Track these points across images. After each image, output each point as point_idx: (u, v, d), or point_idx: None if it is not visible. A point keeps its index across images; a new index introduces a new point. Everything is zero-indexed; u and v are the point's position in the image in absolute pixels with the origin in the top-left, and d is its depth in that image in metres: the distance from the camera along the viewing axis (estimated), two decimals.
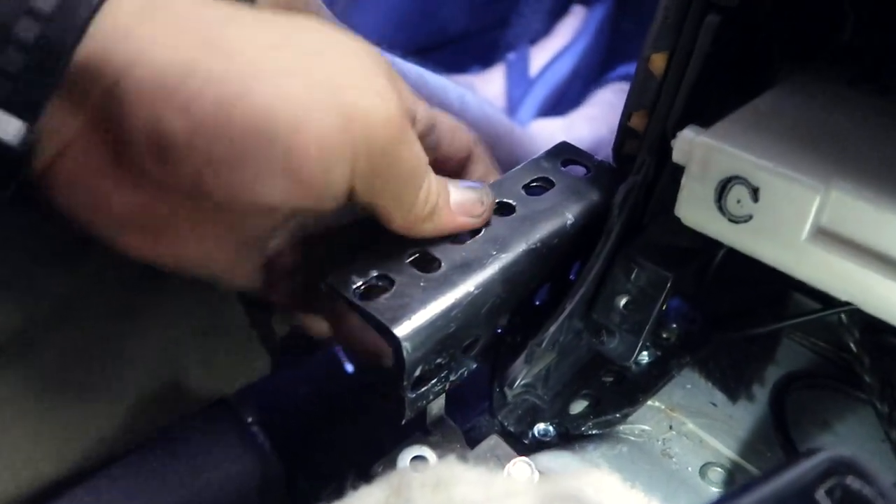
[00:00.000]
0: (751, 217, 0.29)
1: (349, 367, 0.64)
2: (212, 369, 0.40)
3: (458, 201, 0.33)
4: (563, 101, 0.87)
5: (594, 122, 0.83)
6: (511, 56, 0.91)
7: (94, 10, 0.23)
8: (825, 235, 0.28)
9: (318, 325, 0.38)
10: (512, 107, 0.86)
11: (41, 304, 0.32)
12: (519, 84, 0.87)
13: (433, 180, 0.31)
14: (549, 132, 0.78)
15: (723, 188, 0.29)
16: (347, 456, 0.53)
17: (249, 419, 0.49)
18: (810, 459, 0.23)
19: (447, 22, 0.99)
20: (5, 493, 0.32)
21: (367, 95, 0.26)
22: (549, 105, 0.86)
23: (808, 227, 0.28)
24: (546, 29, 0.95)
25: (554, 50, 0.90)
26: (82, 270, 0.33)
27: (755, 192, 0.28)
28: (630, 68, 0.89)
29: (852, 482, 0.23)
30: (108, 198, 0.27)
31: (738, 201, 0.29)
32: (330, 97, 0.25)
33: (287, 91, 0.24)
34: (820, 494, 0.22)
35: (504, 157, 0.44)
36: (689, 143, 0.30)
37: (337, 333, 0.38)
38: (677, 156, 0.30)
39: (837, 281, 0.28)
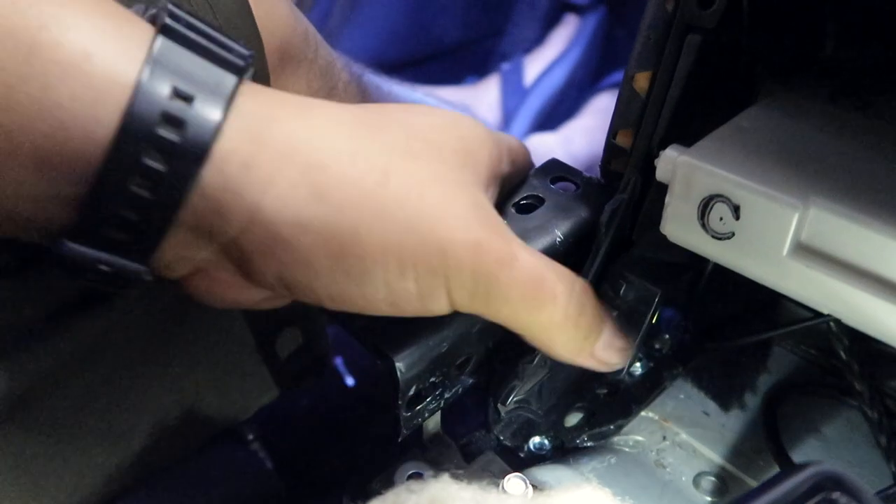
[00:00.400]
0: (733, 234, 0.30)
1: (349, 381, 0.65)
2: (225, 399, 0.41)
3: (610, 334, 0.33)
4: (558, 111, 0.88)
5: (590, 133, 0.83)
6: (505, 66, 0.92)
7: (200, 163, 0.24)
8: (805, 251, 0.28)
9: None
10: (507, 117, 0.87)
11: (65, 349, 0.33)
12: (514, 95, 0.88)
13: (573, 286, 0.31)
14: (546, 148, 0.78)
15: (705, 206, 0.30)
16: (347, 470, 0.53)
17: (250, 436, 0.50)
18: (797, 475, 0.24)
19: (441, 33, 0.99)
20: None
21: (453, 227, 0.27)
22: (544, 115, 0.87)
23: (788, 243, 0.28)
24: (539, 37, 0.96)
25: (548, 59, 0.91)
26: (109, 314, 0.34)
27: (736, 210, 0.29)
28: (622, 74, 0.89)
29: (839, 497, 0.23)
30: (237, 296, 0.29)
31: (721, 219, 0.30)
32: (420, 237, 0.27)
33: (388, 239, 0.26)
34: None
35: None
36: (672, 163, 0.30)
37: None
38: (661, 174, 0.31)
39: (819, 295, 0.29)
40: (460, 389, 0.36)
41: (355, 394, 0.64)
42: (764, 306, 0.45)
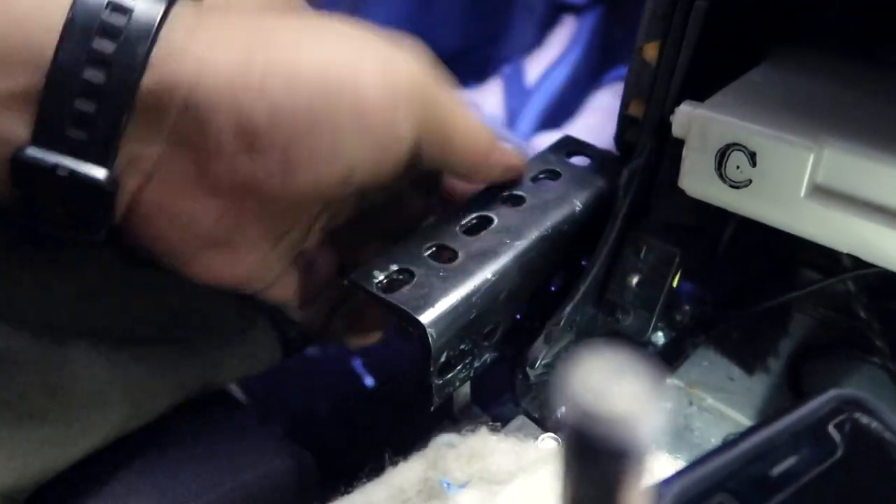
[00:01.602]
0: (750, 181, 0.30)
1: (369, 381, 0.65)
2: (222, 349, 0.40)
3: (501, 151, 0.35)
4: (561, 110, 0.89)
5: (592, 131, 0.84)
6: (506, 69, 0.93)
7: (152, 43, 0.25)
8: (822, 192, 0.29)
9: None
10: (511, 118, 0.88)
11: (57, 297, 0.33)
12: (516, 96, 0.89)
13: (487, 130, 0.33)
14: None
15: (722, 156, 0.31)
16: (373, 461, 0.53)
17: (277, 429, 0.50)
18: (820, 398, 0.24)
19: (439, 42, 1.01)
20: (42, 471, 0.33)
21: (403, 53, 0.29)
22: (547, 114, 0.88)
23: (804, 185, 0.29)
24: (538, 41, 0.98)
25: (548, 60, 0.92)
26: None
27: (752, 157, 0.30)
28: (622, 71, 0.91)
29: (861, 417, 0.24)
30: (192, 215, 0.28)
31: (738, 167, 0.30)
32: (373, 53, 0.28)
33: (336, 54, 0.27)
34: (831, 429, 0.23)
35: None
36: (687, 117, 0.31)
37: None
38: (677, 130, 0.32)
39: (838, 234, 0.29)
40: (489, 359, 0.37)
41: (375, 395, 0.64)
42: (780, 273, 0.46)
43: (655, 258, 0.36)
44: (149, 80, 0.25)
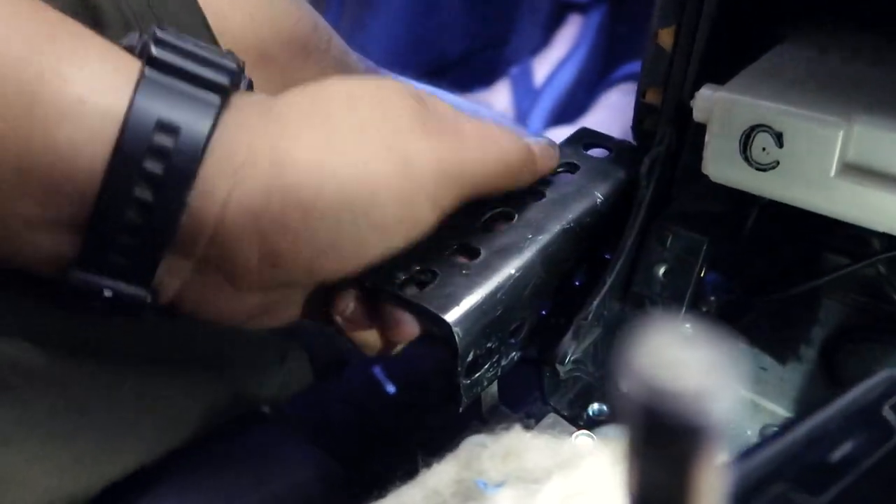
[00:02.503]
0: (777, 163, 0.30)
1: (390, 388, 0.64)
2: (255, 372, 0.41)
3: (539, 146, 0.35)
4: (569, 108, 0.89)
5: (603, 126, 0.84)
6: (514, 70, 0.93)
7: (188, 189, 0.26)
8: (853, 170, 0.28)
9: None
10: (521, 118, 0.88)
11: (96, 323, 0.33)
12: (525, 96, 0.89)
13: (512, 134, 0.33)
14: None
15: (747, 138, 0.30)
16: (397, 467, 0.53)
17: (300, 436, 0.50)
18: (873, 379, 0.23)
19: (446, 46, 1.01)
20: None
21: (414, 139, 0.29)
22: (556, 113, 0.88)
23: (834, 164, 0.28)
24: (544, 41, 0.97)
25: (555, 59, 0.92)
26: None
27: (779, 138, 0.29)
28: (630, 68, 0.90)
29: None
30: (231, 307, 0.30)
31: (764, 149, 0.30)
32: (388, 156, 0.28)
33: (351, 174, 0.27)
34: (886, 411, 0.22)
35: None
36: (709, 100, 0.31)
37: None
38: (698, 114, 0.31)
39: (871, 213, 0.28)
40: (515, 357, 0.36)
41: (397, 401, 0.64)
42: (806, 259, 0.45)
43: (682, 247, 0.35)
44: (183, 217, 0.26)
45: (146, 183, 0.25)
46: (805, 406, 0.39)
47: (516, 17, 0.99)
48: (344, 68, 0.46)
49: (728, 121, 0.30)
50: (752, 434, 0.38)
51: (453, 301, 0.32)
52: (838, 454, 0.18)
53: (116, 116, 0.24)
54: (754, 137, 0.30)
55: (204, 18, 0.35)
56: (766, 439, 0.19)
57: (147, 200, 0.25)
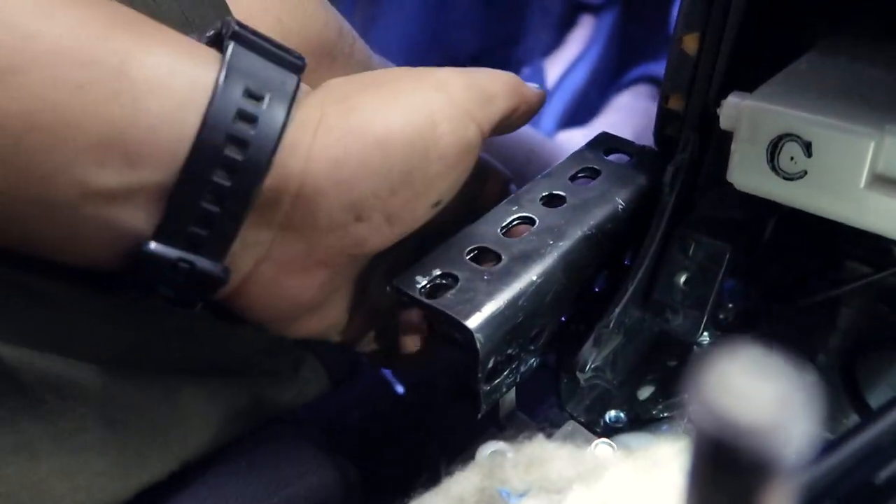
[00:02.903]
0: (805, 173, 0.29)
1: (400, 389, 0.64)
2: (274, 381, 0.41)
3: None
4: (581, 109, 0.89)
5: (616, 128, 0.83)
6: (526, 70, 0.93)
7: (274, 151, 0.27)
8: (883, 181, 0.28)
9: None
10: (533, 119, 0.87)
11: (115, 337, 0.33)
12: None
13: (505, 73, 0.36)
14: (576, 143, 0.79)
15: (774, 147, 0.30)
16: (411, 471, 0.53)
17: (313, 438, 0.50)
18: None
19: (458, 45, 1.01)
20: None
21: (443, 72, 0.33)
22: (568, 114, 0.88)
23: (865, 175, 0.28)
24: (555, 41, 0.97)
25: (567, 60, 0.92)
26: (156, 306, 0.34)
27: (808, 147, 0.29)
28: (643, 69, 0.90)
29: None
30: (299, 289, 0.31)
31: (792, 158, 0.29)
32: (427, 87, 0.31)
33: (410, 106, 0.30)
34: None
35: (540, 169, 0.45)
36: (736, 108, 0.30)
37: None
38: (725, 122, 0.31)
39: None
40: (535, 363, 0.36)
41: (408, 402, 0.63)
42: (825, 266, 0.44)
43: (704, 255, 0.35)
44: (267, 179, 0.27)
45: (235, 145, 0.26)
46: (824, 418, 0.38)
47: (528, 16, 0.99)
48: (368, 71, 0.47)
49: (756, 129, 0.30)
50: None
51: (475, 307, 0.31)
52: (885, 474, 0.18)
53: (206, 85, 0.25)
54: (782, 146, 0.29)
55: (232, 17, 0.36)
56: (811, 457, 0.18)
57: (236, 161, 0.26)
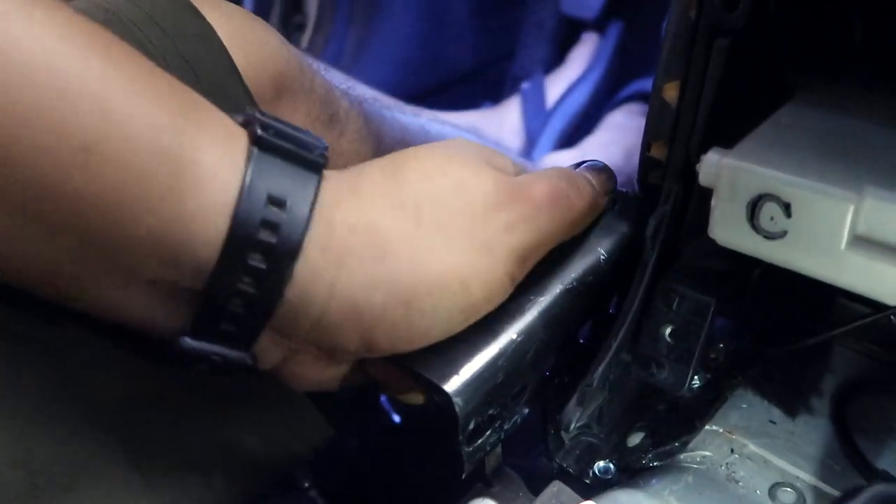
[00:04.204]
0: (786, 232, 0.29)
1: (396, 418, 0.64)
2: (271, 442, 0.40)
3: (602, 185, 0.36)
4: (579, 129, 0.88)
5: (606, 147, 0.83)
6: (526, 86, 0.92)
7: (295, 259, 0.27)
8: (864, 242, 0.27)
9: None
10: (531, 139, 0.87)
11: (101, 396, 0.33)
12: (535, 116, 0.88)
13: (580, 188, 0.34)
14: (561, 165, 0.78)
15: (754, 206, 0.29)
16: None
17: (306, 484, 0.49)
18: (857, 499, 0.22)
19: (453, 62, 1.01)
20: None
21: (493, 224, 0.30)
22: (566, 136, 0.87)
23: (845, 236, 0.28)
24: (551, 55, 0.96)
25: (569, 79, 0.91)
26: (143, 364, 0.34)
27: (787, 208, 0.28)
28: (637, 86, 0.89)
29: None
30: (321, 375, 0.33)
31: (772, 218, 0.29)
32: (470, 247, 0.30)
33: (444, 268, 0.29)
34: None
35: None
36: (715, 166, 0.30)
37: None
38: (704, 179, 0.30)
39: (883, 286, 0.28)
40: (518, 419, 0.35)
41: (404, 430, 0.63)
42: (818, 306, 0.44)
43: (688, 308, 0.34)
44: (289, 294, 0.28)
45: (259, 252, 0.26)
46: (816, 464, 0.38)
47: (522, 32, 0.98)
48: (328, 105, 0.47)
49: (735, 188, 0.29)
50: (761, 493, 0.37)
51: (453, 369, 0.31)
52: None
53: (234, 190, 0.26)
54: (762, 206, 0.29)
55: (234, 66, 0.36)
56: None
57: (260, 268, 0.26)
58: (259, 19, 0.41)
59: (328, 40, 0.98)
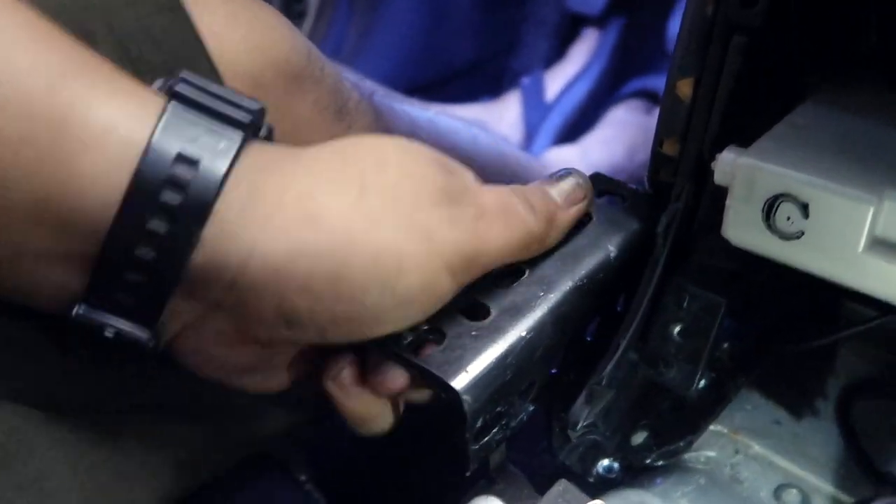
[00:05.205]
0: (802, 233, 0.29)
1: None
2: (249, 414, 0.40)
3: (564, 197, 0.34)
4: (578, 125, 0.88)
5: (608, 144, 0.83)
6: (525, 81, 0.92)
7: (202, 224, 0.25)
8: (883, 245, 0.27)
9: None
10: (529, 134, 0.86)
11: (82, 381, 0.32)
12: (535, 110, 0.88)
13: (532, 204, 0.32)
14: (564, 161, 0.78)
15: (770, 206, 0.29)
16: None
17: (302, 477, 0.49)
18: None
19: (453, 56, 1.00)
20: None
21: (437, 215, 0.28)
22: (566, 130, 0.87)
23: (863, 239, 0.27)
24: (552, 51, 0.96)
25: (569, 74, 0.91)
26: None
27: (805, 209, 0.28)
28: (638, 83, 0.89)
29: None
30: (227, 359, 0.30)
31: (788, 218, 0.29)
32: (410, 229, 0.28)
33: (380, 245, 0.27)
34: None
35: None
36: (731, 165, 0.29)
37: None
38: (719, 178, 0.30)
39: None
40: (525, 417, 0.35)
41: (403, 426, 0.63)
42: (825, 307, 0.43)
43: (699, 307, 0.34)
44: (198, 257, 0.25)
45: (161, 214, 0.24)
46: (821, 466, 0.38)
47: (523, 27, 0.98)
48: (337, 96, 0.46)
49: (751, 188, 0.29)
50: (766, 495, 0.37)
51: (462, 366, 0.31)
52: None
53: (138, 146, 0.24)
54: (778, 206, 0.29)
55: (202, 44, 0.35)
56: None
57: (160, 232, 0.25)
58: (266, 4, 0.40)
59: (329, 29, 0.97)
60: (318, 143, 0.29)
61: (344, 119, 0.46)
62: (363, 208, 0.27)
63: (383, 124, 0.50)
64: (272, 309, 0.27)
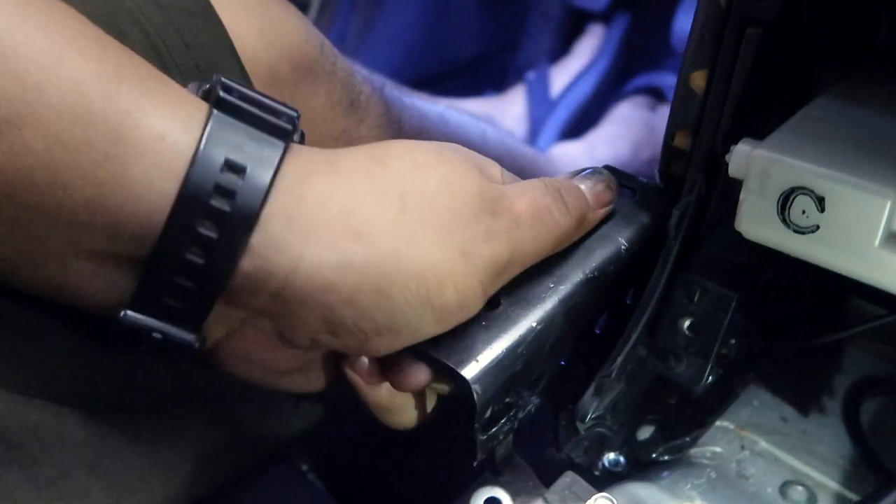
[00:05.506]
0: (817, 227, 0.28)
1: None
2: (268, 417, 0.40)
3: (596, 198, 0.35)
4: (583, 120, 0.87)
5: (614, 141, 0.83)
6: (531, 76, 0.91)
7: (250, 231, 0.25)
8: None
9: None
10: (534, 129, 0.86)
11: (102, 382, 0.32)
12: (540, 105, 0.87)
13: (567, 203, 0.32)
14: (570, 157, 0.78)
15: (785, 200, 0.28)
16: (403, 498, 0.52)
17: (305, 467, 0.49)
18: None
19: (457, 50, 1.00)
20: None
21: (473, 230, 0.29)
22: (571, 126, 0.86)
23: (879, 233, 0.27)
24: (557, 46, 0.96)
25: (574, 70, 0.90)
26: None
27: (821, 202, 0.28)
28: (643, 79, 0.88)
29: None
30: (269, 362, 0.31)
31: (803, 212, 0.28)
32: (449, 248, 0.28)
33: (423, 263, 0.28)
34: None
35: None
36: (746, 157, 0.29)
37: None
38: (734, 170, 0.30)
39: None
40: (532, 409, 0.35)
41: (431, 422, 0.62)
42: (832, 304, 0.43)
43: (710, 302, 0.34)
44: (245, 264, 0.26)
45: (211, 220, 0.25)
46: (827, 463, 0.37)
47: (528, 22, 0.97)
48: (349, 89, 0.46)
49: (766, 180, 0.29)
50: (772, 491, 0.37)
51: (471, 356, 0.30)
52: None
53: (186, 153, 0.25)
54: (794, 199, 0.28)
55: (233, 48, 0.35)
56: None
57: (211, 237, 0.25)
58: None
59: (332, 23, 0.96)
60: (349, 148, 0.30)
61: (356, 112, 0.46)
62: (406, 221, 0.28)
63: (394, 118, 0.50)
64: (317, 318, 0.28)
